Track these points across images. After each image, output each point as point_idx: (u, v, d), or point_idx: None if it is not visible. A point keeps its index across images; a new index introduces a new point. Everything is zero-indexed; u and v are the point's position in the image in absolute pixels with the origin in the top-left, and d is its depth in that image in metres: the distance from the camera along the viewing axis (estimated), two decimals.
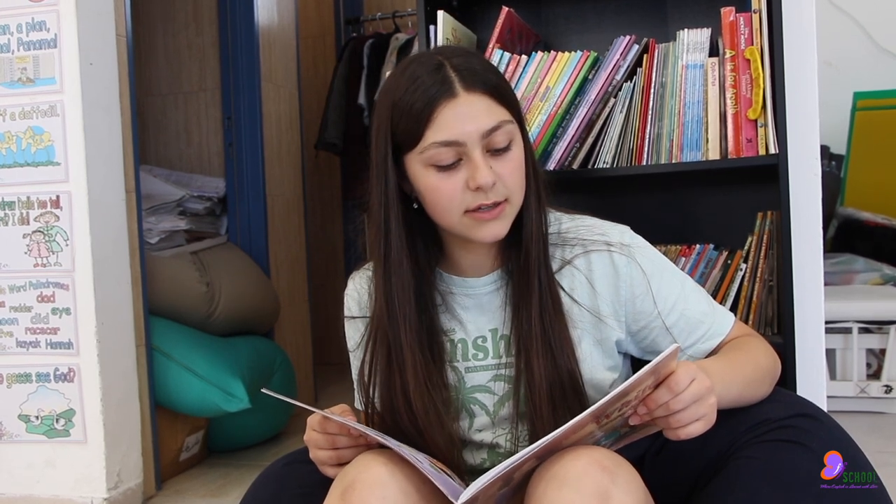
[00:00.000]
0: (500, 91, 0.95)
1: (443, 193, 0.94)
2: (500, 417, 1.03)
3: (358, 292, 1.10)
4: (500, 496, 0.87)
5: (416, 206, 1.00)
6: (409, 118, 0.93)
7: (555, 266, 1.01)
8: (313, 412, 0.96)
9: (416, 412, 0.96)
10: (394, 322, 0.98)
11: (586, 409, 0.79)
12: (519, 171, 0.96)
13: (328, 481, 0.93)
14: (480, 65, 0.96)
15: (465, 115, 0.92)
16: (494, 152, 0.94)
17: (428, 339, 1.00)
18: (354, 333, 1.10)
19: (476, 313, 1.05)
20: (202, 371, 2.24)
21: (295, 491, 1.00)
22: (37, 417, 2.04)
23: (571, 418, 0.79)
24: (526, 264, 0.98)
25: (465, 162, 0.93)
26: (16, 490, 2.07)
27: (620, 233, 1.03)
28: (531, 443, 0.81)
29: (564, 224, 1.04)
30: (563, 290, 1.01)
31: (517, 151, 0.96)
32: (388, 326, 0.99)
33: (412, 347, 0.97)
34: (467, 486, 0.82)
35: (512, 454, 0.81)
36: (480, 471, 0.84)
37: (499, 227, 0.96)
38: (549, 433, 0.79)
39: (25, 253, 2.02)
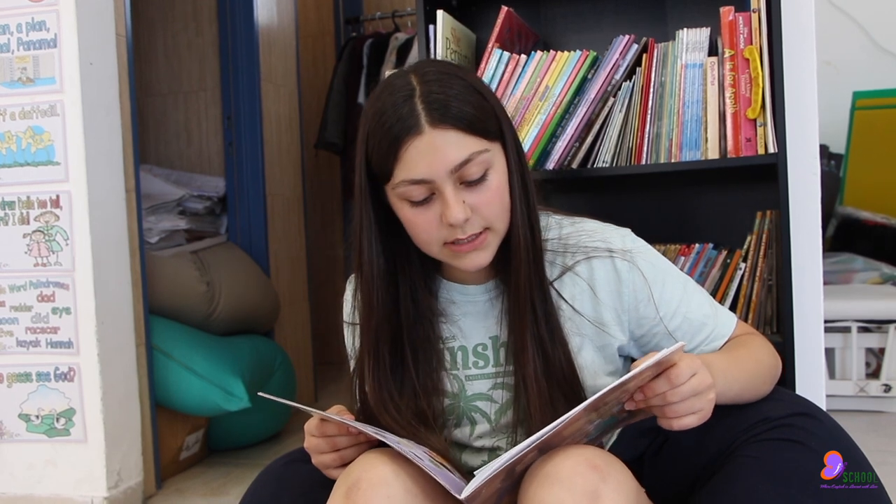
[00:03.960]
0: (472, 121, 0.89)
1: (419, 228, 0.92)
2: (500, 425, 1.03)
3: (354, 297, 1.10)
4: (503, 490, 0.87)
5: None
6: (378, 153, 0.91)
7: (556, 272, 1.00)
8: (311, 415, 0.96)
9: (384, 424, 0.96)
10: (362, 335, 1.00)
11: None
12: (498, 198, 0.92)
13: (329, 481, 0.92)
14: (455, 90, 0.90)
15: (431, 152, 0.87)
16: (469, 184, 0.90)
17: (423, 346, 1.00)
18: (352, 337, 1.10)
19: (476, 320, 1.04)
20: (202, 370, 2.24)
21: (295, 490, 1.00)
22: (37, 417, 2.04)
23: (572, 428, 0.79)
24: (516, 282, 0.96)
25: (438, 196, 0.90)
26: (16, 489, 2.07)
27: (622, 237, 1.02)
28: None
29: (565, 229, 1.02)
30: (564, 299, 0.99)
31: (495, 178, 0.91)
32: (361, 337, 1.01)
33: (373, 362, 0.98)
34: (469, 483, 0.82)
35: None
36: None
37: (481, 257, 0.94)
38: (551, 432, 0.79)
39: (25, 252, 2.02)
